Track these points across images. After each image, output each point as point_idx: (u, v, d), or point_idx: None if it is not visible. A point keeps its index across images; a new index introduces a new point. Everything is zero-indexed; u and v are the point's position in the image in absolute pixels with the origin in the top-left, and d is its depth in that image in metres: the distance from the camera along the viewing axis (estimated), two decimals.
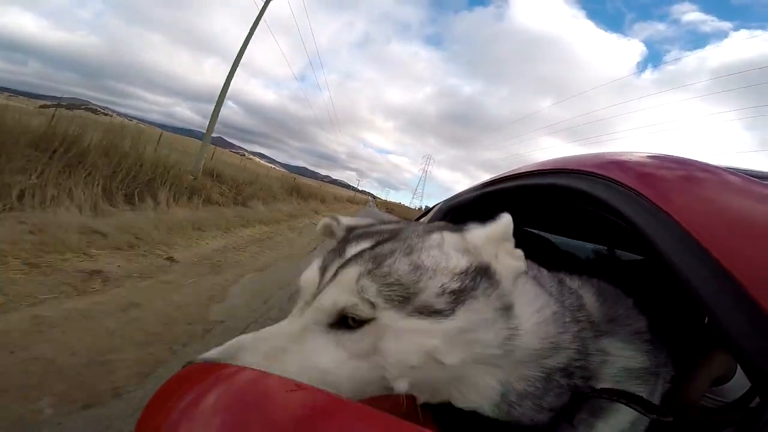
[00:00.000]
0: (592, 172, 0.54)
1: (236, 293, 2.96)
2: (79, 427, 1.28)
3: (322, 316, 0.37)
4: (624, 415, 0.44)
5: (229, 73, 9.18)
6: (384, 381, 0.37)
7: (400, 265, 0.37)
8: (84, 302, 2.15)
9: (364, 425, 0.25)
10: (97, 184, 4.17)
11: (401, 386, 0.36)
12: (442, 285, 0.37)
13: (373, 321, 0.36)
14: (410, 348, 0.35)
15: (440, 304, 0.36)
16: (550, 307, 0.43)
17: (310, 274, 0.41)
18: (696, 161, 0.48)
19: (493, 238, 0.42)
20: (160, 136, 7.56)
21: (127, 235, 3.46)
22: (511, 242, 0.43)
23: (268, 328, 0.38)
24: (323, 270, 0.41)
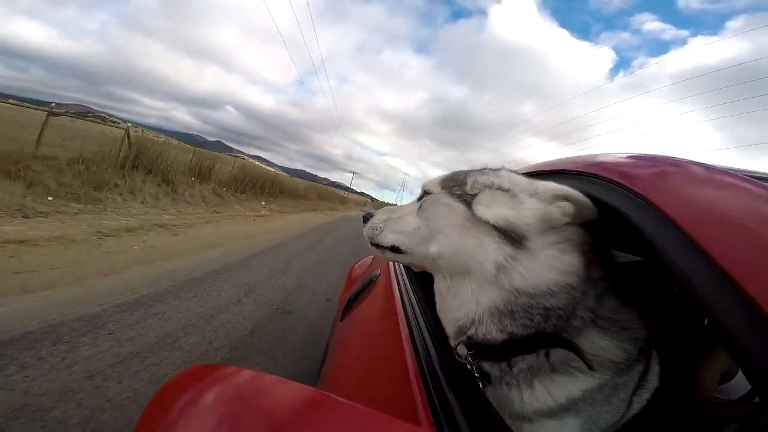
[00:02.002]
0: (591, 174, 0.54)
1: (332, 219, 15.32)
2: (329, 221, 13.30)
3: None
4: (562, 389, 0.46)
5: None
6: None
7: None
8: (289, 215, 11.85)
9: (361, 424, 0.25)
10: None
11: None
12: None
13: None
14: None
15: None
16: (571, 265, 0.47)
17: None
18: (694, 161, 0.49)
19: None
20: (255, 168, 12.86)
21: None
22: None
23: (400, 206, 0.70)
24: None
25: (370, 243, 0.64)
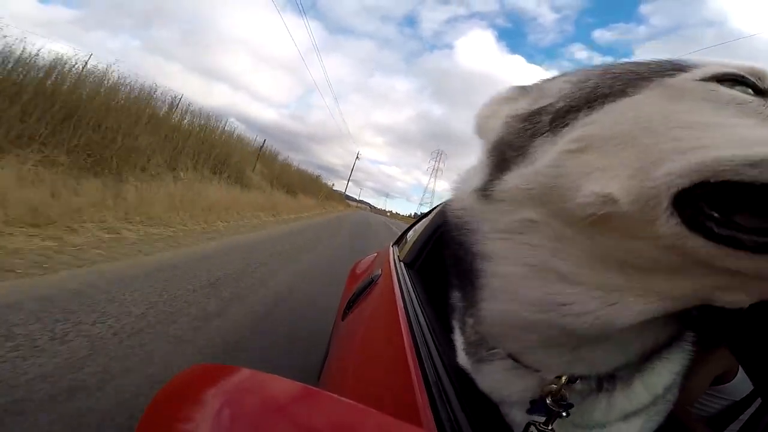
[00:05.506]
0: None
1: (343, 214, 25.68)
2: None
3: None
4: (660, 377, 0.40)
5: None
6: None
7: None
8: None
9: (362, 424, 0.25)
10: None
11: None
12: None
13: None
14: None
15: None
16: None
17: None
18: None
19: None
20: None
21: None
22: None
23: None
24: None
25: None
